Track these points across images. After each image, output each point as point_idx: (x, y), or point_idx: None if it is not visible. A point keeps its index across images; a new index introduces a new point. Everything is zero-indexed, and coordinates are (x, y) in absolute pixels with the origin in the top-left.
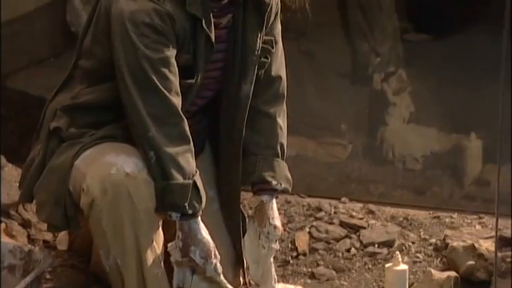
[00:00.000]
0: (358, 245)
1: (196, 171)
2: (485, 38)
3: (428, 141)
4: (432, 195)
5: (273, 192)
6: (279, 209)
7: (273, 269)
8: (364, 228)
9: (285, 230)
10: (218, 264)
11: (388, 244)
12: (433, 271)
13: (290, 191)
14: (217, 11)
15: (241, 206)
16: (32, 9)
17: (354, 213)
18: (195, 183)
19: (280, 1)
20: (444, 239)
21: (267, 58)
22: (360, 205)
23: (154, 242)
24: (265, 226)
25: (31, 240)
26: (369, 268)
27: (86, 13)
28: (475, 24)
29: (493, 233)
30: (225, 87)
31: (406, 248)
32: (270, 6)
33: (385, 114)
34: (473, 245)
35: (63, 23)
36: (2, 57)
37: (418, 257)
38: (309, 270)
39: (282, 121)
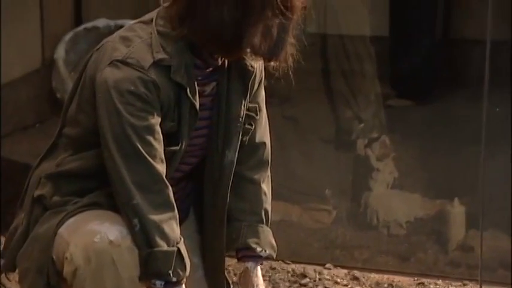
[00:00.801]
0: None
1: (180, 238)
2: (467, 103)
3: (412, 206)
4: (417, 261)
5: (258, 258)
6: (263, 276)
7: None
8: None
9: None
10: None
11: None
12: None
13: (275, 257)
14: (202, 79)
15: (225, 273)
16: (18, 76)
17: (338, 280)
18: (179, 250)
19: (264, 68)
20: None
21: (251, 125)
22: (345, 271)
23: None
24: None
25: None
26: None
27: (71, 80)
28: (456, 90)
29: None
30: (209, 154)
31: None
32: (254, 74)
33: (369, 180)
34: None
35: (49, 89)
36: None
37: None
38: None
39: (266, 187)
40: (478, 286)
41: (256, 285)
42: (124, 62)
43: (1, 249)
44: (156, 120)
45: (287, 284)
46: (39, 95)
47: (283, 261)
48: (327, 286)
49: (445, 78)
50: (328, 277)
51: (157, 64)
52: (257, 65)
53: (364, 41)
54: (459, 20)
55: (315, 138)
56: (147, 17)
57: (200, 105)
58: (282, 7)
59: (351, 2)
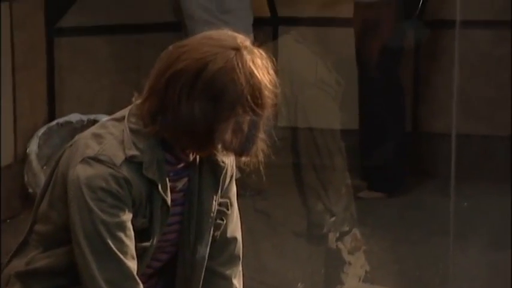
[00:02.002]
0: None
1: None
2: (436, 195)
3: None
4: None
5: None
6: None
7: None
8: None
9: None
10: None
11: None
12: None
13: None
14: (174, 175)
15: None
16: None
17: None
18: None
19: (235, 164)
20: None
21: (223, 220)
22: None
23: None
24: None
25: None
26: None
27: (44, 175)
28: (426, 182)
29: None
30: (180, 249)
31: None
32: (225, 169)
33: (340, 273)
34: None
35: (22, 184)
36: None
37: None
38: None
39: (237, 282)
40: None
41: None
42: (96, 159)
43: None
44: (127, 217)
45: None
46: (11, 190)
47: None
48: None
49: (414, 171)
50: None
51: (129, 161)
52: (228, 161)
53: (334, 135)
54: (427, 114)
55: (287, 232)
56: (119, 114)
57: (172, 200)
58: (252, 104)
59: (320, 96)
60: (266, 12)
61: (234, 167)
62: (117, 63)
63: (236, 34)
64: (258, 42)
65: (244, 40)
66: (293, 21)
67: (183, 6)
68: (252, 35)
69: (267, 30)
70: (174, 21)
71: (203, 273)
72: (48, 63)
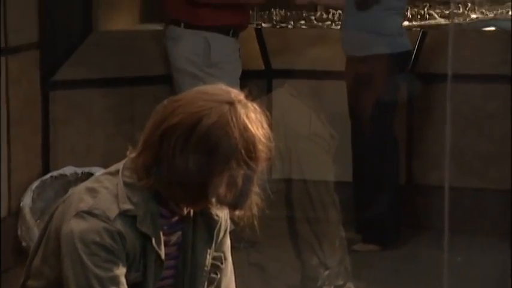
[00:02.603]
0: None
1: None
2: (431, 248)
3: None
4: None
5: None
6: None
7: None
8: None
9: None
10: None
11: None
12: None
13: None
14: (168, 229)
15: None
16: None
17: None
18: None
19: (229, 218)
20: None
21: (217, 274)
22: None
23: None
24: None
25: None
26: None
27: (37, 228)
28: (420, 234)
29: None
30: None
31: None
32: (219, 223)
33: None
34: None
35: (15, 238)
36: None
37: None
38: None
39: None
40: None
41: None
42: (90, 213)
43: None
44: (121, 271)
45: None
46: (5, 244)
47: None
48: None
49: (409, 223)
50: None
51: (123, 214)
52: (222, 214)
53: (328, 187)
54: (421, 167)
55: (281, 285)
56: (113, 168)
57: (166, 254)
58: (246, 158)
59: (314, 149)
60: (260, 65)
61: (228, 221)
62: (112, 115)
63: (230, 89)
64: (251, 96)
65: (238, 94)
66: (287, 74)
67: (171, 59)
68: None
69: (261, 83)
70: (168, 74)
71: None
72: (43, 116)
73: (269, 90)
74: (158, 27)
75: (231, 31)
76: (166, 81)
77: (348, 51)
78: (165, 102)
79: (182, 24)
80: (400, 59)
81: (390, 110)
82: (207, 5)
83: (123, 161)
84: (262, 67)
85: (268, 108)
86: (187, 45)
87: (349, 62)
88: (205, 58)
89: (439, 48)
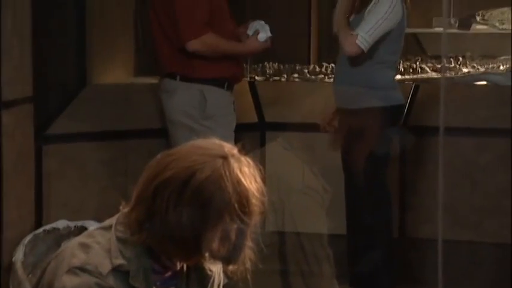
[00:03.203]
0: None
1: None
2: None
3: None
4: None
5: None
6: None
7: None
8: None
9: None
10: None
11: None
12: None
13: None
14: (160, 284)
15: None
16: None
17: None
18: None
19: (223, 272)
20: None
21: None
22: None
23: None
24: None
25: None
26: None
27: (29, 284)
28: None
29: None
30: None
31: None
32: (212, 278)
33: None
34: None
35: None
36: None
37: None
38: None
39: None
40: None
41: None
42: (82, 269)
43: None
44: None
45: None
46: None
47: None
48: None
49: (402, 277)
50: None
51: (115, 270)
52: (215, 268)
53: (321, 240)
54: (414, 221)
55: None
56: (107, 222)
57: None
58: (240, 212)
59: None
60: (254, 118)
61: (221, 274)
62: (105, 169)
63: (223, 143)
64: (245, 150)
65: (231, 149)
66: (280, 127)
67: (166, 111)
68: (233, 141)
69: (254, 135)
70: (162, 128)
71: None
72: (36, 170)
73: (262, 143)
74: (152, 80)
75: (226, 84)
76: (161, 134)
77: (340, 104)
78: (159, 156)
79: (178, 77)
80: (392, 112)
81: (383, 163)
82: (202, 57)
83: (117, 216)
84: (256, 120)
85: (261, 162)
86: (183, 98)
87: (342, 115)
88: (201, 111)
89: (431, 102)
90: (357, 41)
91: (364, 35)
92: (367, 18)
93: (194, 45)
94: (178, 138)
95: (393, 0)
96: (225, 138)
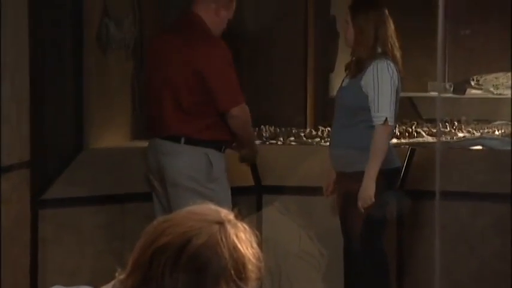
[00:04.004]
0: None
1: None
2: None
3: None
4: None
5: None
6: None
7: None
8: None
9: None
10: None
11: None
12: None
13: None
14: None
15: None
16: None
17: None
18: None
19: None
20: None
21: None
22: None
23: None
24: None
25: None
26: None
27: None
28: None
29: None
30: None
31: None
32: None
33: None
34: None
35: None
36: None
37: None
38: None
39: None
40: None
41: None
42: None
43: None
44: None
45: None
46: None
47: None
48: None
49: None
50: None
51: None
52: None
53: None
54: (411, 285)
55: None
56: None
57: None
58: (236, 278)
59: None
60: (250, 181)
61: None
62: (102, 233)
63: (220, 208)
64: (241, 215)
65: (227, 214)
66: (277, 190)
67: (167, 174)
68: (231, 202)
69: (251, 199)
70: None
71: None
72: (32, 235)
73: (259, 206)
74: None
75: (223, 147)
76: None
77: (337, 167)
78: (155, 222)
79: (182, 139)
80: (389, 175)
81: (380, 226)
82: (207, 120)
83: (112, 282)
84: (252, 183)
85: (258, 225)
86: (189, 161)
87: (339, 178)
88: (207, 174)
89: (427, 166)
90: (389, 123)
91: (390, 115)
92: (381, 99)
93: (236, 111)
94: (181, 201)
95: (389, 69)
96: (226, 200)
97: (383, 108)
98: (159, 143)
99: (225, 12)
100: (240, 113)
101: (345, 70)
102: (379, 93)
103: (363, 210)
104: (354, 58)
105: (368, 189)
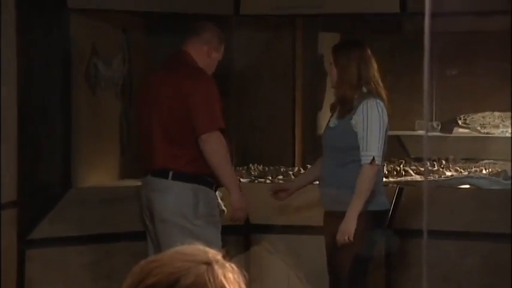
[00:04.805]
0: None
1: None
2: None
3: None
4: None
5: None
6: None
7: None
8: None
9: None
10: None
11: None
12: None
13: None
14: None
15: None
16: None
17: None
18: None
19: None
20: None
21: None
22: None
23: None
24: None
25: None
26: None
27: None
28: None
29: None
30: None
31: None
32: None
33: None
34: None
35: None
36: None
37: None
38: None
39: None
40: None
41: None
42: None
43: None
44: None
45: None
46: None
47: None
48: None
49: None
50: None
51: None
52: None
53: None
54: None
55: None
56: None
57: None
58: None
59: None
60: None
61: None
62: (88, 272)
63: (208, 249)
64: (229, 254)
65: (215, 254)
66: (265, 229)
67: (156, 210)
68: (220, 241)
69: (239, 238)
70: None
71: None
72: (19, 275)
73: (247, 245)
74: (137, 182)
75: (214, 185)
76: (146, 237)
77: (327, 206)
78: (142, 262)
79: (170, 174)
80: (378, 217)
81: (368, 266)
82: (196, 154)
83: None
84: (241, 222)
85: (246, 265)
86: (176, 197)
87: (326, 216)
88: (194, 210)
89: (415, 204)
90: (376, 162)
91: (377, 154)
92: (369, 137)
93: (208, 136)
94: (170, 238)
95: (378, 107)
96: (215, 237)
97: (371, 147)
98: (150, 180)
99: (216, 54)
100: (211, 139)
101: (330, 110)
102: (368, 132)
103: (339, 245)
104: (337, 98)
105: (348, 225)
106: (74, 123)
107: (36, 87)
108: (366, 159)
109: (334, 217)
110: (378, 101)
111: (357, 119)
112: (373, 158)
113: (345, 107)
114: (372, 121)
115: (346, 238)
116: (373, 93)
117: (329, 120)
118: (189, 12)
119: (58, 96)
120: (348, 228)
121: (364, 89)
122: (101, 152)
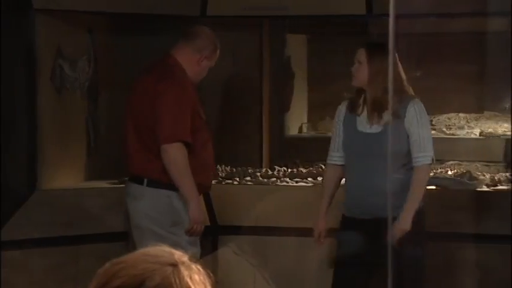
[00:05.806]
0: None
1: None
2: None
3: None
4: None
5: None
6: None
7: None
8: None
9: None
10: None
11: None
12: None
13: None
14: None
15: None
16: None
17: None
18: None
19: None
20: None
21: None
22: None
23: None
24: None
25: None
26: None
27: None
28: None
29: None
30: None
31: None
32: None
33: None
34: None
35: None
36: None
37: None
38: None
39: None
40: None
41: None
42: None
43: None
44: None
45: None
46: None
47: None
48: None
49: None
50: None
51: None
52: None
53: None
54: None
55: None
56: None
57: None
58: None
59: None
60: (206, 222)
61: None
62: (54, 275)
63: (174, 250)
64: (196, 256)
65: (181, 256)
66: (233, 230)
67: (131, 216)
68: (199, 246)
69: (207, 239)
70: (115, 232)
71: None
72: None
73: (215, 246)
74: (104, 184)
75: None
76: (113, 239)
77: (364, 214)
78: (107, 264)
79: (145, 181)
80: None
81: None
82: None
83: None
84: (208, 223)
85: (214, 266)
86: (151, 204)
87: (357, 224)
88: (169, 217)
89: None
90: (431, 162)
91: (433, 154)
92: (426, 138)
93: (168, 147)
94: (144, 244)
95: (424, 108)
96: (194, 244)
97: (428, 147)
98: (128, 184)
99: (207, 62)
100: (171, 150)
101: (351, 111)
102: (424, 132)
103: (396, 244)
104: (364, 97)
105: (408, 224)
106: (39, 125)
107: (1, 88)
108: (425, 160)
109: (370, 225)
110: (419, 101)
111: (411, 121)
112: (432, 158)
113: (382, 109)
114: (424, 122)
115: (401, 235)
116: (412, 94)
117: (355, 123)
118: (155, 13)
119: (23, 97)
120: (406, 227)
121: (408, 91)
122: (66, 153)
